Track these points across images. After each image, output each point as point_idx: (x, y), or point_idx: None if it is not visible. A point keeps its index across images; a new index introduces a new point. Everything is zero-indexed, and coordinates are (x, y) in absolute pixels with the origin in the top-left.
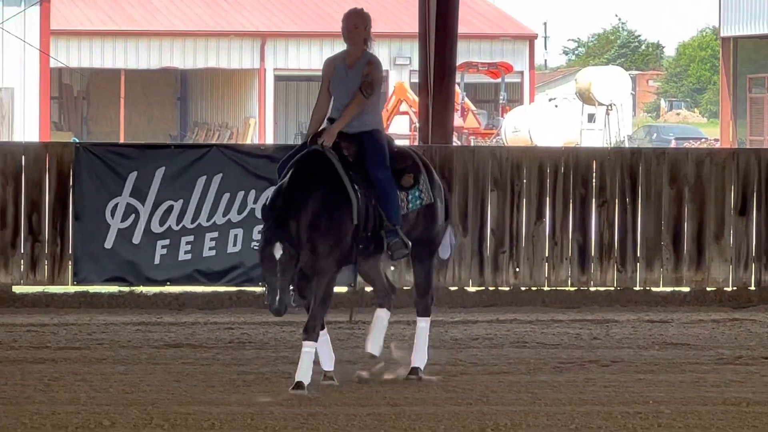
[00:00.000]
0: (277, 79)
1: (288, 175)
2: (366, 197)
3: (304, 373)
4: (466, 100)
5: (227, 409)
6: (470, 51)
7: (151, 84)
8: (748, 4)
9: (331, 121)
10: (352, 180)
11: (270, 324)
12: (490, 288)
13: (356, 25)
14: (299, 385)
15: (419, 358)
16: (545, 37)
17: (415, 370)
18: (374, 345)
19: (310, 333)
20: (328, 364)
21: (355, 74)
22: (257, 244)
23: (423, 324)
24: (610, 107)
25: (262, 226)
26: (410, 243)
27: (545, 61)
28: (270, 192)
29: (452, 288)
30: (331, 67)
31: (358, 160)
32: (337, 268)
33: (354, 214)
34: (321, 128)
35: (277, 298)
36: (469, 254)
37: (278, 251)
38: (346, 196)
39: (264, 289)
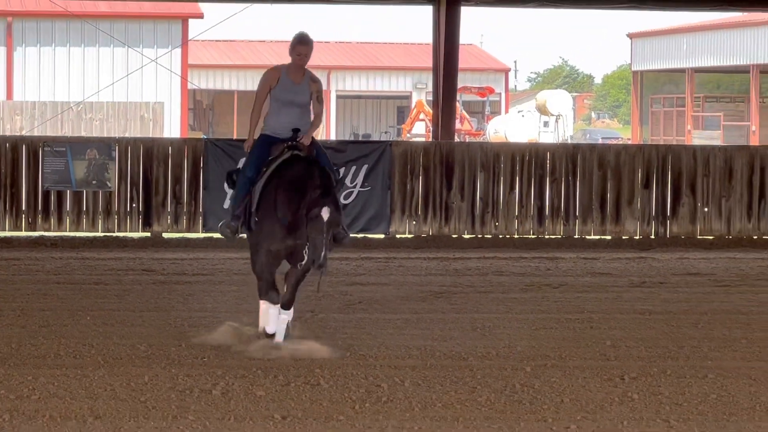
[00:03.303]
0: (338, 97)
1: (289, 169)
2: None
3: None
4: (463, 111)
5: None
6: (466, 79)
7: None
8: (650, 49)
9: (296, 130)
10: None
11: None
12: (479, 236)
13: (306, 54)
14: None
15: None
16: (516, 70)
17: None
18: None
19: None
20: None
21: (302, 88)
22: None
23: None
24: (558, 117)
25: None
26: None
27: (515, 86)
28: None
29: (454, 236)
30: (275, 77)
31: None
32: None
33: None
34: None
35: (323, 254)
36: (465, 214)
37: (326, 213)
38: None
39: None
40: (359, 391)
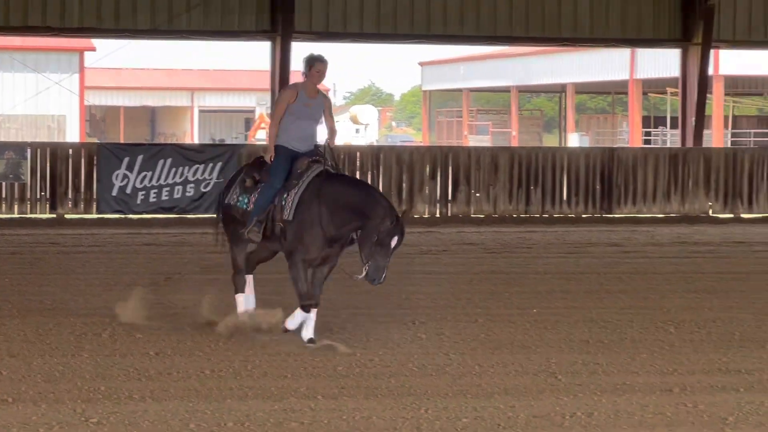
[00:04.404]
0: (200, 111)
1: (332, 181)
2: None
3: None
4: None
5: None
6: None
7: (136, 114)
8: (436, 73)
9: (317, 145)
10: None
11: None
12: None
13: (324, 70)
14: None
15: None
16: (334, 90)
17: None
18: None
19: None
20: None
21: (317, 104)
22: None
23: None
24: (366, 125)
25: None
26: None
27: (334, 102)
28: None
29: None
30: (294, 94)
31: None
32: None
33: None
34: (309, 145)
35: (384, 275)
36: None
37: (394, 242)
38: None
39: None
40: (214, 333)
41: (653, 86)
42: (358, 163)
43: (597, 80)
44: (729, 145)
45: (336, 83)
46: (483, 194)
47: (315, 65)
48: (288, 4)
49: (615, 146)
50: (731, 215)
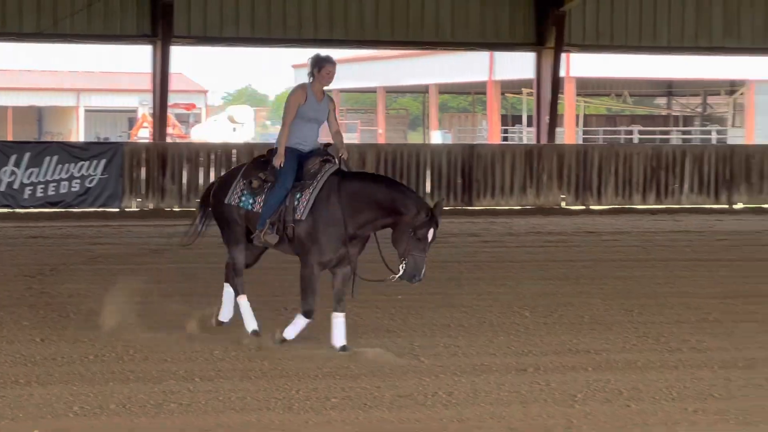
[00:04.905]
0: (86, 111)
1: (346, 181)
2: None
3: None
4: (175, 120)
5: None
6: (176, 97)
7: (24, 113)
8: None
9: (327, 144)
10: None
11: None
12: (185, 209)
13: (333, 72)
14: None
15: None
16: (213, 91)
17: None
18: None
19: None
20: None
21: (323, 105)
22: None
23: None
24: (242, 125)
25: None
26: None
27: (213, 102)
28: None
29: (167, 209)
30: (303, 95)
31: None
32: None
33: None
34: (322, 145)
35: (423, 271)
36: (175, 193)
37: (431, 235)
38: None
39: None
40: (98, 319)
41: (510, 87)
42: (233, 158)
43: (458, 81)
44: (580, 141)
45: (214, 84)
46: None
47: (325, 66)
48: (167, 9)
49: (475, 143)
50: (582, 207)
